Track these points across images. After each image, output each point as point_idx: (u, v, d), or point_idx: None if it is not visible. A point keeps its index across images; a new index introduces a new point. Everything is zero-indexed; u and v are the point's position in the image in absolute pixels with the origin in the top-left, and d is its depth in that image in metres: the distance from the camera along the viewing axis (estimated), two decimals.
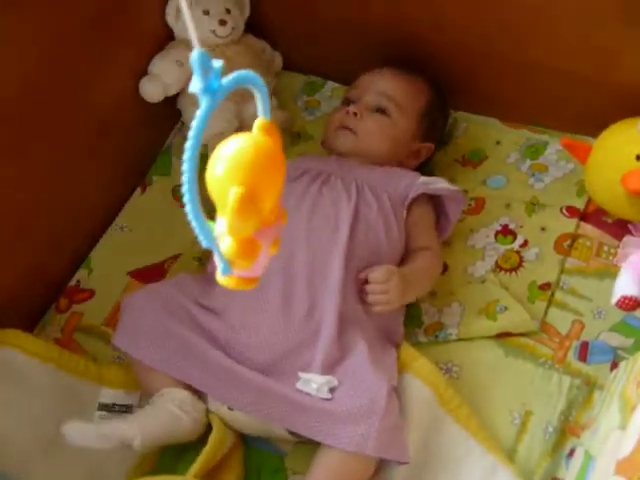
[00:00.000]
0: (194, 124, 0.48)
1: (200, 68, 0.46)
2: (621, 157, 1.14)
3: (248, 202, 0.49)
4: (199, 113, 0.48)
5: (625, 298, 0.97)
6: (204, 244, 0.51)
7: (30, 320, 1.19)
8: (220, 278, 0.54)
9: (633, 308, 0.98)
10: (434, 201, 1.20)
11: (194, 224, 0.50)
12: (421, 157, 1.25)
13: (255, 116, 0.53)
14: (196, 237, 0.51)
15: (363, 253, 1.08)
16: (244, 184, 0.49)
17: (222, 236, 0.52)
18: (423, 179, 1.18)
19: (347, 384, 0.98)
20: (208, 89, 0.47)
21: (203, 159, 0.47)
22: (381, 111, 1.21)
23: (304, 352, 1.02)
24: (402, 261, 1.14)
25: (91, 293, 1.22)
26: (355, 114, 1.21)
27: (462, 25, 1.23)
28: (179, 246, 1.26)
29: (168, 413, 0.97)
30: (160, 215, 1.30)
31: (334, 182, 1.15)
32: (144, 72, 1.29)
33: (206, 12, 1.30)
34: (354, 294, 1.07)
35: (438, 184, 1.18)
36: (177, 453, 1.05)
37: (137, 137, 1.33)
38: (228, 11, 1.32)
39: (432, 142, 1.25)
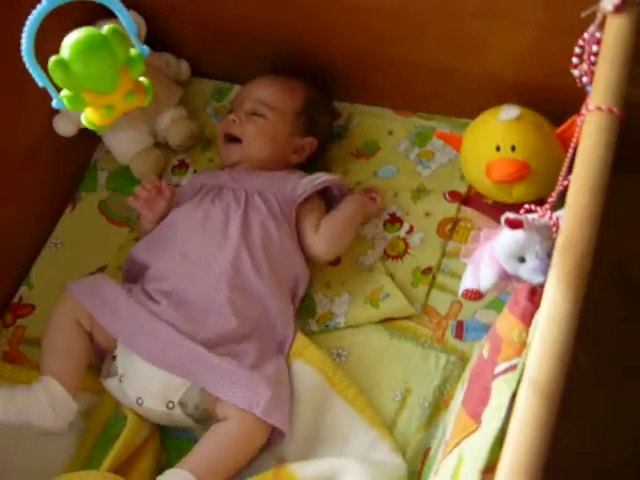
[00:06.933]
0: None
1: None
2: (483, 149, 1.22)
3: None
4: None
5: (467, 290, 1.05)
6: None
7: None
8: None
9: (476, 298, 1.06)
10: (321, 195, 1.31)
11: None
12: (305, 152, 1.35)
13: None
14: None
15: (256, 252, 1.21)
16: None
17: None
18: (306, 178, 1.29)
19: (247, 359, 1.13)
20: None
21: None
22: (257, 115, 1.33)
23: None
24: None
25: (32, 308, 1.35)
26: (234, 120, 1.33)
27: (342, 32, 1.32)
28: (105, 258, 1.37)
29: (34, 400, 1.12)
30: (88, 230, 1.42)
31: (226, 194, 1.27)
32: None
33: None
34: (248, 289, 1.19)
35: (320, 178, 1.29)
36: (105, 445, 1.21)
37: (64, 157, 1.44)
38: None
39: (315, 137, 1.35)
